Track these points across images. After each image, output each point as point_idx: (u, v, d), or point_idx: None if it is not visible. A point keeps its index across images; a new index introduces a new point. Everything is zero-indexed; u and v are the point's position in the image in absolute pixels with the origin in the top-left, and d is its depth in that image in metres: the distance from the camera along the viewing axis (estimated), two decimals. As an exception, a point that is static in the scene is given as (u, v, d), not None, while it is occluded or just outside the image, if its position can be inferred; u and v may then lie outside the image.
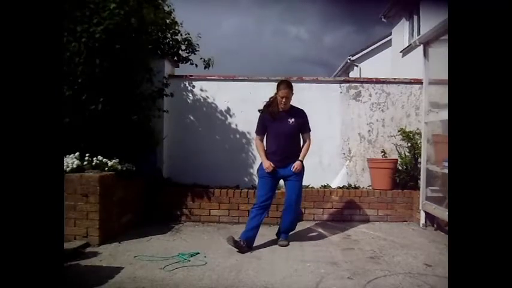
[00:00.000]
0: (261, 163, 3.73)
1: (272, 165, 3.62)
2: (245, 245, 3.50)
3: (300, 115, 3.73)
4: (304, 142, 3.78)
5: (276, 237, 3.91)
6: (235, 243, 3.46)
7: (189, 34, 5.31)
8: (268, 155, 3.71)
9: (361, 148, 5.48)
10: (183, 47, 5.38)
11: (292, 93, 3.66)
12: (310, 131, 3.80)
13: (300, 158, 3.69)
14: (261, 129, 3.79)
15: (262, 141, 3.82)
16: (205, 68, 5.39)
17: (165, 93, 4.93)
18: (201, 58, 5.39)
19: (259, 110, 3.84)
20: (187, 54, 5.47)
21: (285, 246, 3.70)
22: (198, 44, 5.37)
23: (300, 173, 3.69)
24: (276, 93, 3.68)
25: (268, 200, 3.68)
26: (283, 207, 3.83)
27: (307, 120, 3.77)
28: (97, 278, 2.76)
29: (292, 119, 3.66)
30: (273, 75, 5.32)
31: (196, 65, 5.45)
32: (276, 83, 3.73)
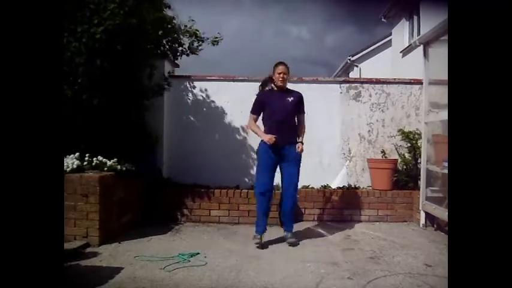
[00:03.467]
0: (261, 142, 3.73)
1: (274, 136, 3.59)
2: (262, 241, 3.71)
3: (298, 95, 3.81)
4: (299, 124, 3.83)
5: (274, 236, 3.91)
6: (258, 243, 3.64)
7: (185, 25, 5.16)
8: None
9: (361, 148, 5.48)
10: (187, 38, 5.24)
11: (289, 74, 3.79)
12: (304, 113, 3.86)
13: (300, 140, 3.75)
14: (257, 108, 3.83)
15: (256, 121, 3.85)
16: (213, 44, 5.34)
17: (166, 85, 4.97)
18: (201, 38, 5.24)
19: (259, 87, 3.89)
20: (187, 50, 5.34)
21: (295, 245, 3.70)
22: (198, 31, 5.20)
23: (299, 158, 3.74)
24: (271, 75, 3.79)
25: (269, 191, 3.74)
26: (282, 195, 3.82)
27: (303, 102, 3.84)
28: (97, 278, 2.75)
29: (291, 98, 3.75)
30: (273, 76, 5.31)
31: (201, 46, 5.30)
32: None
